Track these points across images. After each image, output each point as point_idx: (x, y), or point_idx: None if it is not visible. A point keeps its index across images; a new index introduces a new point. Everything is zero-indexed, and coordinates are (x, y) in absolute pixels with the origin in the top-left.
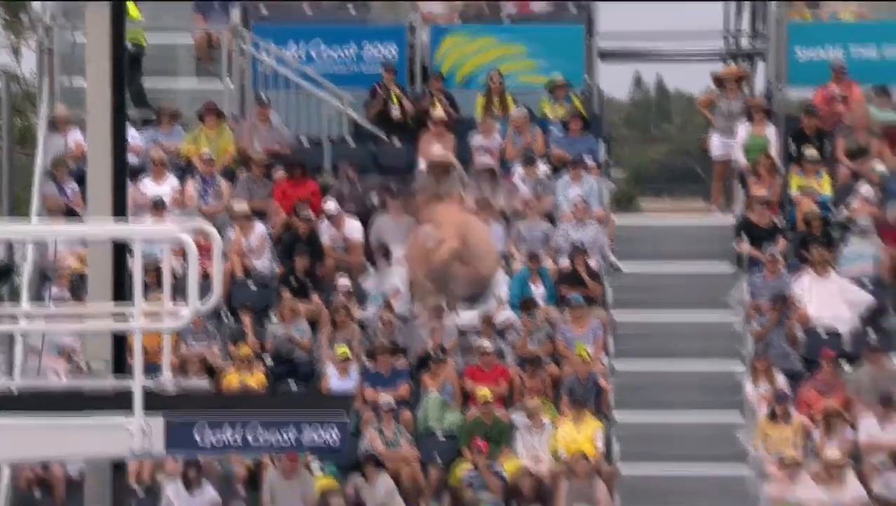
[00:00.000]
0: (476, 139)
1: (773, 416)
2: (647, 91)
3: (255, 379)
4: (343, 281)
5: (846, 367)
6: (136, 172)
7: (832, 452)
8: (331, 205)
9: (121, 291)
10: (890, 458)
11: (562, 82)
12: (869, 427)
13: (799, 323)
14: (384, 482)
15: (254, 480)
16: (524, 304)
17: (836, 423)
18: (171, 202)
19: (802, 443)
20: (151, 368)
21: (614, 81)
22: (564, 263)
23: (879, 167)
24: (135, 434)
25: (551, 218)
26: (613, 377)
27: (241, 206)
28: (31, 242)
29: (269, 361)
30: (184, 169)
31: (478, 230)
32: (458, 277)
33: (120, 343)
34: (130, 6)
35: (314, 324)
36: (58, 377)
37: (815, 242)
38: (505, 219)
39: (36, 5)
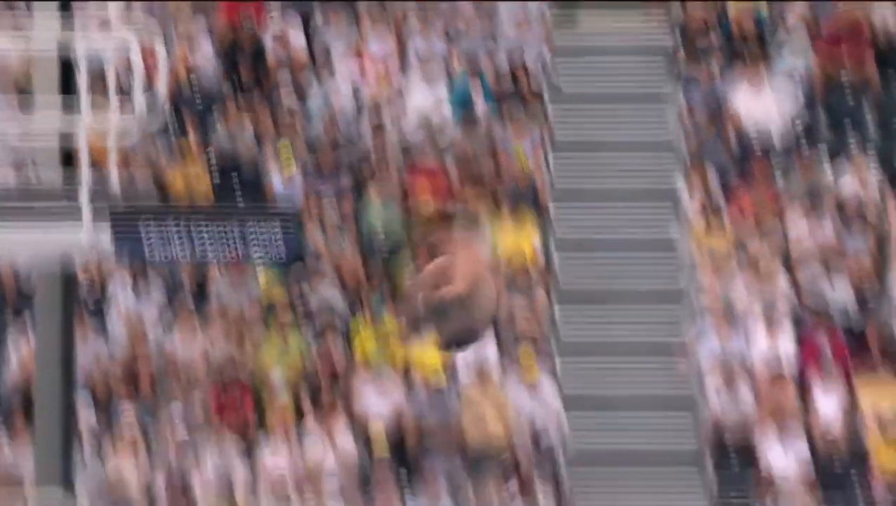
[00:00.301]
0: None
1: (707, 223)
2: None
3: (200, 182)
4: (287, 91)
5: (778, 174)
6: None
7: (762, 251)
8: (275, 18)
9: (68, 90)
10: (819, 261)
11: None
12: (799, 230)
13: (734, 131)
14: (326, 283)
15: (201, 287)
16: (464, 120)
17: (768, 226)
18: (117, 14)
19: (736, 247)
20: (98, 167)
21: None
22: (505, 76)
23: None
24: (84, 245)
25: (492, 34)
26: (551, 190)
27: (185, 16)
28: None
29: (213, 165)
30: None
31: (489, 287)
32: (451, 318)
33: (67, 141)
34: None
35: (258, 135)
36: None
37: (750, 51)
38: (447, 35)
39: None
